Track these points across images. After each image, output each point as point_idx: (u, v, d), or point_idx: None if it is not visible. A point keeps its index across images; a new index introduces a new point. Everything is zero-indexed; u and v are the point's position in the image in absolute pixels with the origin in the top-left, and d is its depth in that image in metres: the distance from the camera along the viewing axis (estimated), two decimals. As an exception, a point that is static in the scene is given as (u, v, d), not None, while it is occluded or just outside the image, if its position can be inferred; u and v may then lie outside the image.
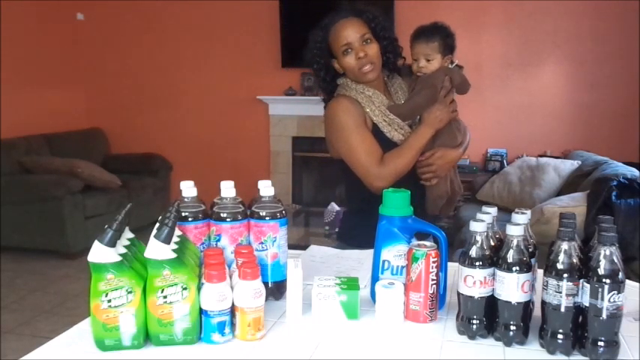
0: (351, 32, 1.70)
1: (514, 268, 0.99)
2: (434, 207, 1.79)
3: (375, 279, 1.19)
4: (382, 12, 1.83)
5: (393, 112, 1.75)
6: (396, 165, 1.70)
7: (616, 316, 0.93)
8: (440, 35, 1.76)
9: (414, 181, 1.70)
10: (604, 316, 0.92)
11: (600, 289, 0.92)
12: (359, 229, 1.76)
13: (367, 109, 1.74)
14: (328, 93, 1.84)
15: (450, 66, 1.77)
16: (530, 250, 1.07)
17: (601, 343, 0.93)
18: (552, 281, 0.95)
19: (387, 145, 1.73)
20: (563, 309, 0.95)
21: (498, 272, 1.00)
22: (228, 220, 1.15)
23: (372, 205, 1.72)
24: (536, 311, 1.03)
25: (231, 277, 1.05)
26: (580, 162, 4.00)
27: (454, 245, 3.06)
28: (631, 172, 3.12)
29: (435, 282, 1.09)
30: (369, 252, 1.23)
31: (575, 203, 2.92)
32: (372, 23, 1.73)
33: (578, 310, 0.95)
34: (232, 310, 1.02)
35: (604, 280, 0.92)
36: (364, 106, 1.74)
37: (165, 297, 0.98)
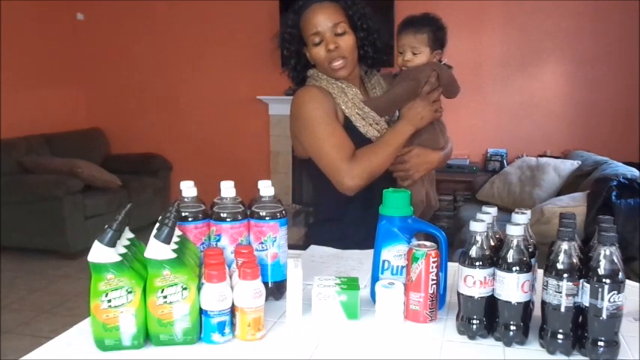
0: (322, 19, 1.49)
1: (514, 268, 0.98)
2: None
3: (375, 279, 1.19)
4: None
5: (369, 106, 1.56)
6: (369, 162, 1.49)
7: (616, 316, 0.92)
8: (430, 27, 1.60)
9: (389, 185, 1.36)
10: (604, 316, 0.92)
11: (600, 289, 0.92)
12: (325, 242, 1.57)
13: (339, 100, 1.55)
14: (298, 83, 1.65)
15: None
16: (530, 250, 1.06)
17: (601, 343, 0.93)
18: (552, 281, 0.95)
19: (360, 141, 1.54)
20: (563, 309, 0.95)
21: (498, 272, 1.00)
22: (228, 220, 1.15)
23: (342, 212, 1.59)
24: (536, 311, 1.03)
25: (231, 277, 1.05)
26: (580, 162, 4.00)
27: (454, 245, 3.06)
28: (631, 172, 3.13)
29: (435, 282, 1.09)
30: (369, 252, 1.23)
31: (575, 203, 2.92)
32: (349, 10, 1.52)
33: (578, 310, 0.95)
34: (232, 310, 1.02)
35: (604, 280, 0.91)
36: (335, 97, 1.55)
37: (165, 297, 0.98)
